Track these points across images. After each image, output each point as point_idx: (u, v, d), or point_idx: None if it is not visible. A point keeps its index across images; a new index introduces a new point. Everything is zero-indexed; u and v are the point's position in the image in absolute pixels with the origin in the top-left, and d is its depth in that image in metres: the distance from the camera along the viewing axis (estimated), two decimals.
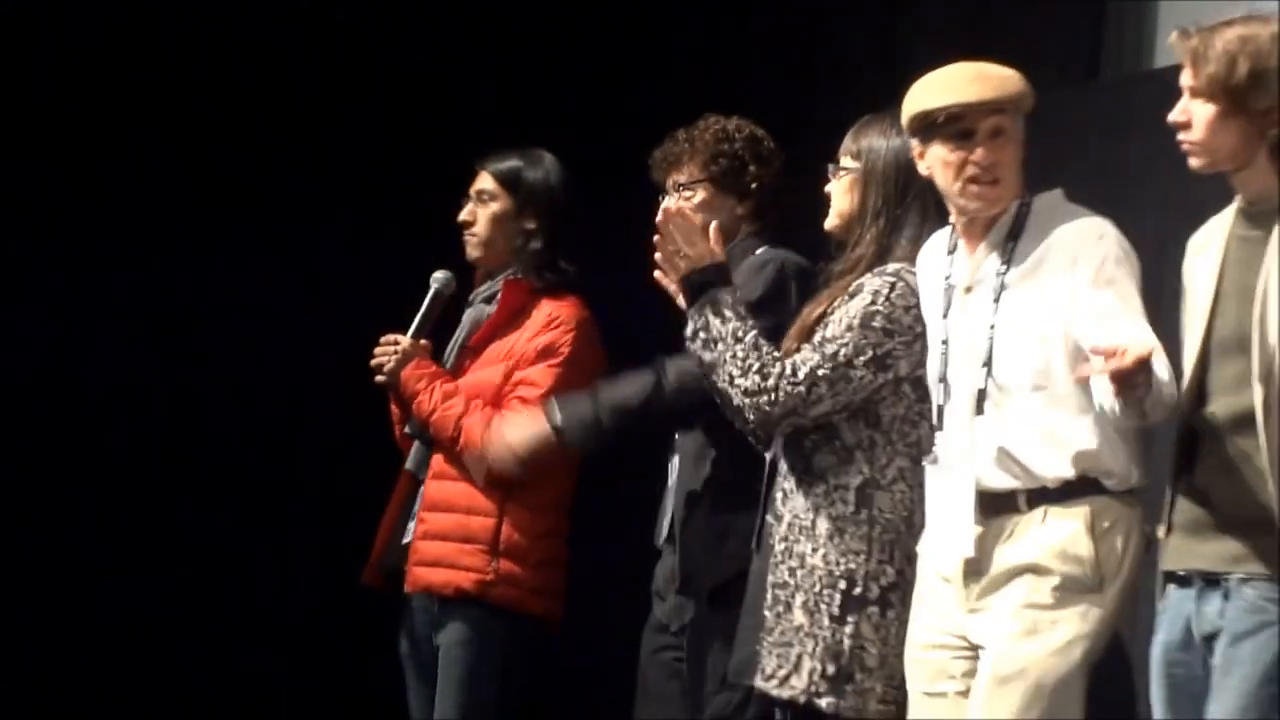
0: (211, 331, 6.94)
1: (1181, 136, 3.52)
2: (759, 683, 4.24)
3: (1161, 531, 3.78)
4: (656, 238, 4.39)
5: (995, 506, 3.96)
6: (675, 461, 4.79)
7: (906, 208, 4.32)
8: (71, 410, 7.02)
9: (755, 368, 4.22)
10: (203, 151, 7.55)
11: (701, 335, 4.29)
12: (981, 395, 3.92)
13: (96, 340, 7.08)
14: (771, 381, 4.19)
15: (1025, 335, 3.94)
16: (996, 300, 3.94)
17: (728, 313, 4.27)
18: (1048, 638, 3.98)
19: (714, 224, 4.45)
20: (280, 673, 6.80)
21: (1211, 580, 3.67)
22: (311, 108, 7.62)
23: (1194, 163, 3.53)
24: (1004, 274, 3.98)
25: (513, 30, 7.63)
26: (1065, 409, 3.93)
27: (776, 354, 4.24)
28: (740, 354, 4.26)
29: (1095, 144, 5.17)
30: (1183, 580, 3.74)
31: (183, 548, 6.82)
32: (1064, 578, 3.96)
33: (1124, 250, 3.97)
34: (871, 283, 4.17)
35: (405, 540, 4.98)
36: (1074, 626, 3.98)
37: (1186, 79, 3.48)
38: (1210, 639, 3.68)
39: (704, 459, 4.68)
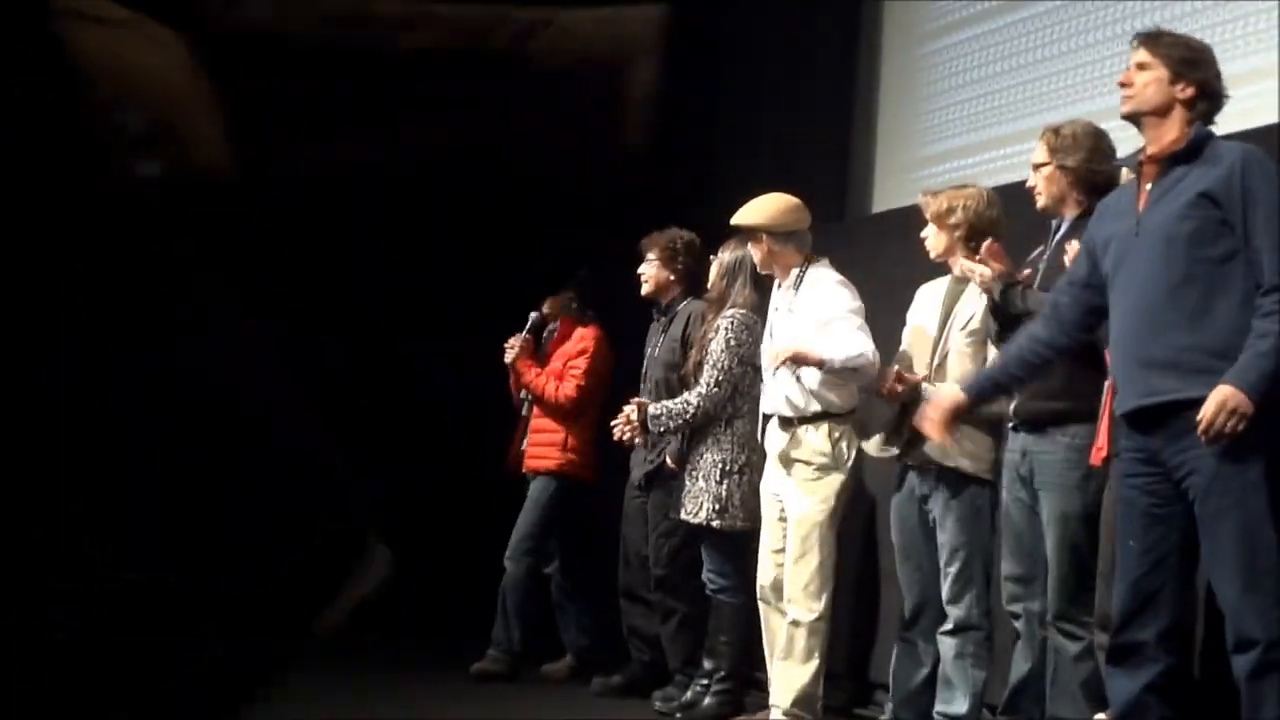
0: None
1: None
2: (683, 516, 5.85)
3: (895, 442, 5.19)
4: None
5: (786, 423, 5.48)
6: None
7: (735, 280, 5.89)
8: None
9: (683, 412, 5.84)
10: None
11: (664, 433, 5.97)
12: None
13: None
14: (696, 403, 5.81)
15: (830, 320, 5.42)
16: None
17: (651, 428, 5.91)
18: (814, 495, 5.45)
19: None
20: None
21: (928, 467, 5.08)
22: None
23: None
24: (793, 307, 5.50)
25: None
26: (816, 376, 5.41)
27: (682, 395, 5.90)
28: (675, 417, 5.87)
29: (847, 254, 5.97)
30: (912, 467, 5.15)
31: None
32: (818, 464, 5.43)
33: (852, 292, 5.52)
34: (722, 322, 5.83)
35: (522, 449, 7.01)
36: (828, 488, 5.45)
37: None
38: (925, 498, 5.13)
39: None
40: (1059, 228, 4.79)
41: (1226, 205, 3.86)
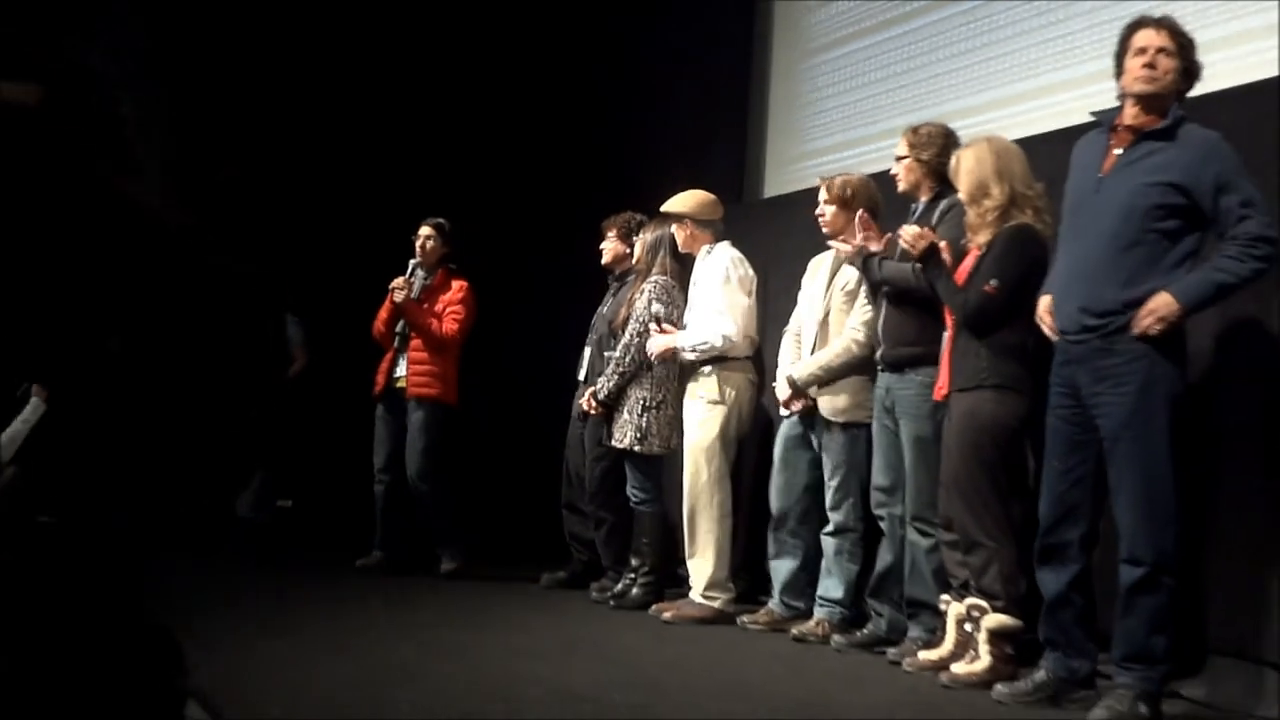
0: None
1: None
2: (612, 443, 5.91)
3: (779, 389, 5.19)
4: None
5: (693, 366, 5.58)
6: (587, 351, 6.29)
7: (657, 254, 5.89)
8: None
9: (615, 369, 5.88)
10: None
11: (616, 386, 5.83)
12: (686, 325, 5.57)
13: None
14: (620, 354, 5.84)
15: (700, 304, 5.62)
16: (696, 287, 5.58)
17: (601, 385, 5.85)
18: (704, 425, 5.59)
19: None
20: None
21: (818, 414, 5.13)
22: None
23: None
24: (697, 280, 5.62)
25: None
26: (704, 331, 5.52)
27: (612, 352, 5.85)
28: (613, 375, 5.84)
29: (743, 230, 6.04)
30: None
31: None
32: (708, 399, 5.58)
33: (733, 265, 5.59)
34: (646, 286, 5.86)
35: (398, 374, 6.74)
36: (715, 419, 5.60)
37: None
38: (811, 423, 5.18)
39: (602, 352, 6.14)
40: (915, 209, 4.87)
41: (1196, 193, 3.66)
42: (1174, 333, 3.73)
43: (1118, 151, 3.81)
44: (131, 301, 0.93)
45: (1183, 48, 3.78)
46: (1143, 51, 3.80)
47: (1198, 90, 3.89)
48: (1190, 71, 3.80)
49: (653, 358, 5.67)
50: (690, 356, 5.57)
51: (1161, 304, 3.67)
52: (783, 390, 5.17)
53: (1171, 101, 3.77)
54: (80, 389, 0.97)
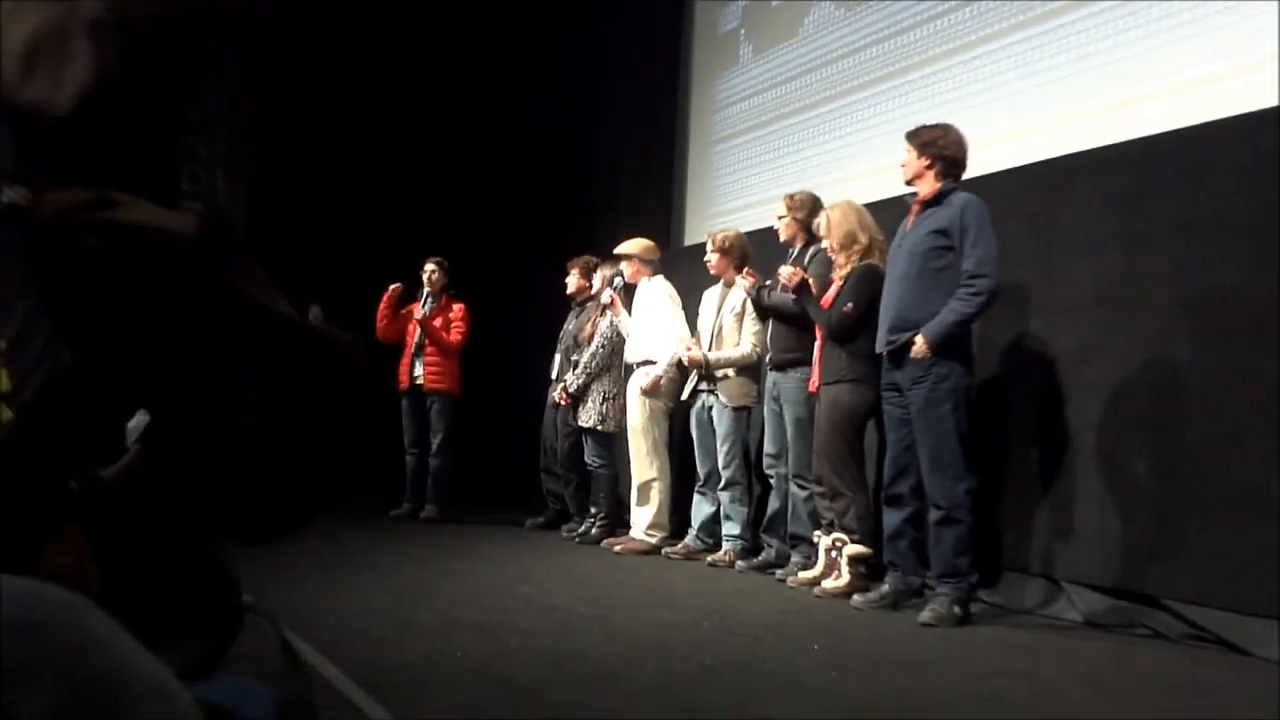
0: None
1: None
2: (579, 423, 5.79)
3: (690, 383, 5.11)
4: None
5: (636, 366, 5.45)
6: (557, 358, 6.18)
7: (611, 285, 5.71)
8: None
9: (584, 371, 5.73)
10: None
11: (583, 384, 5.68)
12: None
13: None
14: (587, 360, 5.72)
15: (646, 323, 5.44)
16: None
17: (571, 381, 5.74)
18: (642, 408, 5.45)
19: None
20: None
21: (716, 401, 5.10)
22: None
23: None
24: (639, 302, 5.49)
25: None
26: (659, 342, 5.44)
27: (579, 360, 5.68)
28: (580, 375, 5.74)
29: (670, 268, 5.87)
30: (703, 392, 5.16)
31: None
32: (646, 390, 5.42)
33: (669, 292, 5.48)
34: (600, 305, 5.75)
35: (417, 374, 6.56)
36: (648, 405, 5.44)
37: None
38: (710, 407, 5.12)
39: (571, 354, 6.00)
40: (792, 254, 4.84)
41: (953, 234, 3.74)
42: (961, 340, 3.80)
43: (913, 217, 3.93)
44: (264, 378, 0.86)
45: (918, 144, 3.85)
46: None
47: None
48: (946, 159, 3.85)
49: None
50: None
51: (919, 346, 3.78)
52: (683, 355, 5.11)
53: (931, 177, 3.84)
54: (216, 445, 0.88)
